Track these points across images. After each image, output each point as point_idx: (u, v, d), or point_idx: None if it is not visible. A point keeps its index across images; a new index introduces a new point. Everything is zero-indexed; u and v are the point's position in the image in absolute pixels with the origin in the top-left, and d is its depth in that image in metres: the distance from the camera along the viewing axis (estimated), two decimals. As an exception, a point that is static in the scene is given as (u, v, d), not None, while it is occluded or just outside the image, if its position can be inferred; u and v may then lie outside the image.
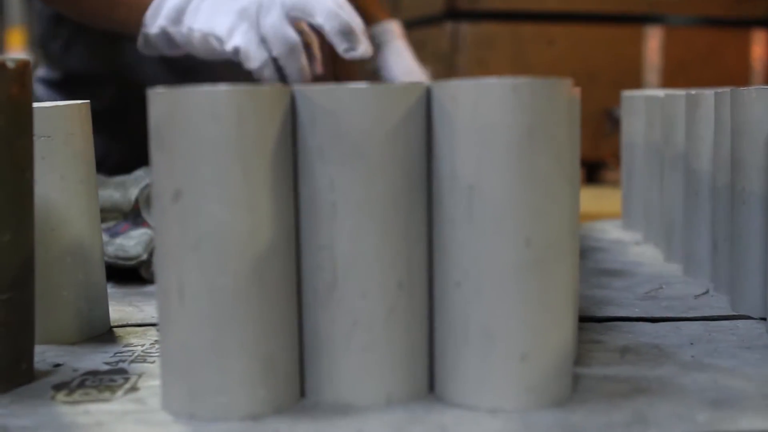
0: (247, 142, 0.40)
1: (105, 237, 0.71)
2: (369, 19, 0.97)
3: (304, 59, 0.77)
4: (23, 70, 0.46)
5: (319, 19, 0.76)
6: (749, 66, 1.82)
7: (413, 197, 0.42)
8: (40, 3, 1.07)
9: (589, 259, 0.79)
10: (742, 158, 0.59)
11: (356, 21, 0.78)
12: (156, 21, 0.80)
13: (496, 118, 0.40)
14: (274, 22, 0.76)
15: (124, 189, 0.75)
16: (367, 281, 0.41)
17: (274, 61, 0.76)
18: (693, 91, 0.71)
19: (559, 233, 0.41)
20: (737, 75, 1.82)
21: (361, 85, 0.41)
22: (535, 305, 0.41)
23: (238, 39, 0.76)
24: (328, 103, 0.41)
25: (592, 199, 1.39)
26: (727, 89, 0.63)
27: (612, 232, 0.95)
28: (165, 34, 0.80)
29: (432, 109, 0.42)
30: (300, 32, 0.78)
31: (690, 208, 0.72)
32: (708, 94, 0.69)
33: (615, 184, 1.48)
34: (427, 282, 0.43)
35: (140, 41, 0.83)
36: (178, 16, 0.79)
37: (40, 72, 1.13)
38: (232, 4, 0.78)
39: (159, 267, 0.41)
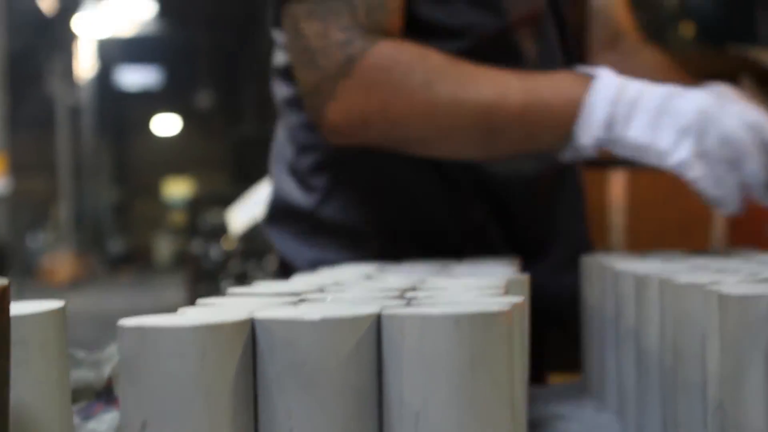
0: (209, 376, 0.43)
1: (77, 419, 0.73)
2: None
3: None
4: (2, 294, 0.49)
5: None
6: (711, 205, 1.88)
7: (364, 423, 0.45)
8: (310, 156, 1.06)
9: (547, 430, 0.82)
10: (682, 348, 0.63)
11: None
12: (589, 132, 0.91)
13: (440, 348, 0.44)
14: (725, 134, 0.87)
15: (98, 368, 0.78)
16: (322, 504, 0.44)
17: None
18: (641, 273, 0.75)
19: (501, 456, 0.44)
20: (700, 212, 1.88)
21: (314, 317, 0.45)
22: None
23: (682, 153, 0.88)
24: (285, 333, 0.45)
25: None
26: (673, 283, 0.66)
27: (571, 396, 0.98)
28: (598, 142, 0.92)
29: (382, 339, 0.46)
30: None
31: (641, 385, 0.75)
32: (653, 278, 0.73)
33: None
34: (378, 503, 0.46)
35: (566, 153, 0.95)
36: (609, 126, 0.91)
37: (280, 234, 1.10)
38: (673, 120, 0.89)
39: (125, 495, 0.44)
